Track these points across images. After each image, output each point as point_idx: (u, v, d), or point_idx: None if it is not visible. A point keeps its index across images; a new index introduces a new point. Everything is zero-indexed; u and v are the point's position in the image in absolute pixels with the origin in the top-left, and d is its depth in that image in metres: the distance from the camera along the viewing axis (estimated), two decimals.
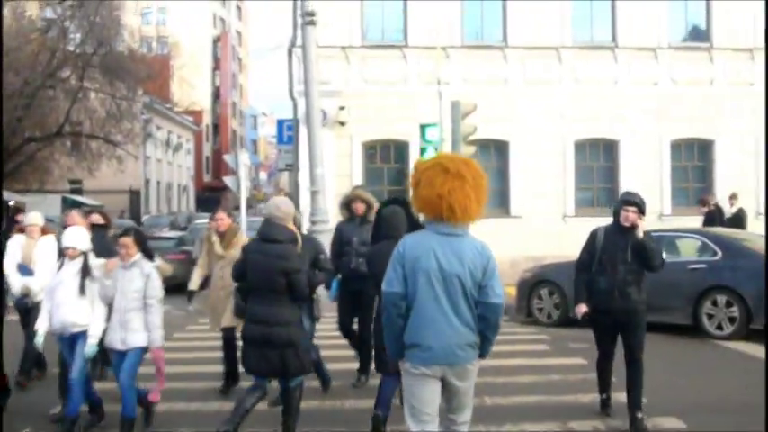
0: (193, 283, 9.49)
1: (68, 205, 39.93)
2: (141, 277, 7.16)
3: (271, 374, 6.82)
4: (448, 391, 4.88)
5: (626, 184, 21.56)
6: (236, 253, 8.31)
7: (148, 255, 7.35)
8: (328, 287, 9.28)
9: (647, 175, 21.52)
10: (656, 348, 11.16)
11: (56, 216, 23.94)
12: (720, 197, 19.93)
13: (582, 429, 7.65)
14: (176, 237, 23.81)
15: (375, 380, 8.10)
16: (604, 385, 8.06)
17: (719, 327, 12.39)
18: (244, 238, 9.23)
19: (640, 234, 7.49)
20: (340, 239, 9.57)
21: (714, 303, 12.47)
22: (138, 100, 41.07)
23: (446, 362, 4.76)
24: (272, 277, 6.57)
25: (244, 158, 20.00)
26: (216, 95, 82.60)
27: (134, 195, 51.38)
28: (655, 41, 22.20)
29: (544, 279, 14.90)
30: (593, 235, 7.80)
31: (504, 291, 4.98)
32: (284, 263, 6.58)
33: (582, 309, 7.81)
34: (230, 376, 9.17)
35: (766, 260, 11.85)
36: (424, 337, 4.74)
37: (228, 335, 9.03)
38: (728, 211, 18.76)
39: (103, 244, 8.71)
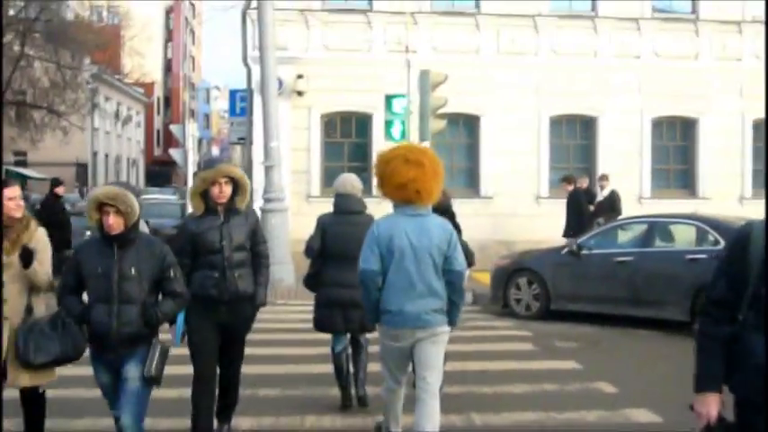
0: None
1: (10, 177, 38.26)
2: None
3: (352, 332, 7.34)
4: (419, 352, 5.49)
5: (603, 163, 20.26)
6: (16, 259, 5.48)
7: None
8: (173, 322, 5.88)
9: (626, 155, 20.21)
10: (654, 349, 10.08)
11: None
12: (710, 181, 18.78)
13: None
14: None
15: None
16: None
17: None
18: (39, 232, 5.72)
19: None
20: (193, 244, 6.07)
21: None
22: (85, 69, 39.53)
23: (416, 325, 5.40)
24: (361, 245, 6.74)
25: (192, 129, 18.61)
26: (168, 67, 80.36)
27: (81, 168, 49.49)
28: (638, 11, 20.77)
29: (523, 267, 13.58)
30: (740, 242, 3.43)
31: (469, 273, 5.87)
32: None
33: (712, 405, 3.40)
34: None
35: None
36: (397, 303, 5.39)
37: (31, 393, 5.78)
38: (600, 194, 17.43)
39: None
